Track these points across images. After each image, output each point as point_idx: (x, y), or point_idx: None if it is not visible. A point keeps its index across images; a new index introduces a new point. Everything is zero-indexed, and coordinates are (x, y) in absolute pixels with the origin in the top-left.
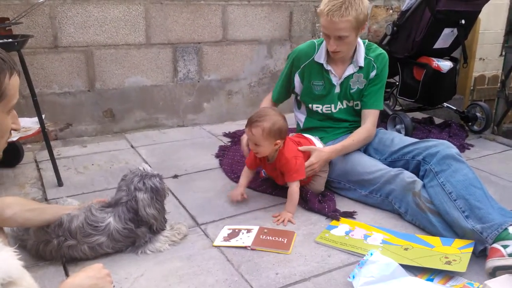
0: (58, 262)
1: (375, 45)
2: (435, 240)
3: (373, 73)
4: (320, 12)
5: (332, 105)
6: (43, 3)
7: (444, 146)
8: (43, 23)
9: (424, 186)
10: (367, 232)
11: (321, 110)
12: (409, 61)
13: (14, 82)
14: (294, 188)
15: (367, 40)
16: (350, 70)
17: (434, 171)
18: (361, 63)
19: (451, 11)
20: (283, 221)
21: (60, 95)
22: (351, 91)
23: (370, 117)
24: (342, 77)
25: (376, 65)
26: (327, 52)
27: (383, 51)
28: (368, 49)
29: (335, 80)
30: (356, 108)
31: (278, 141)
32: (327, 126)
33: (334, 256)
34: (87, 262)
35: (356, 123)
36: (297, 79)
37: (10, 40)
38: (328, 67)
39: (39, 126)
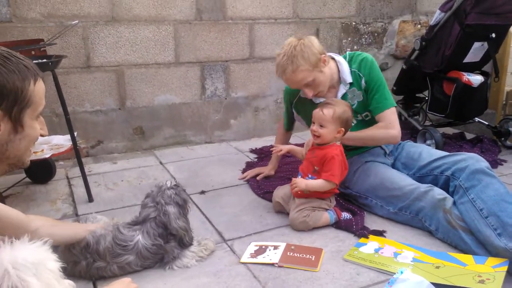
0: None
1: (357, 53)
2: (467, 258)
3: (363, 82)
4: (277, 76)
5: None
6: (76, 25)
7: (473, 160)
8: (76, 44)
9: (454, 203)
10: (397, 250)
11: None
12: (438, 76)
13: (39, 88)
14: (324, 182)
15: (347, 52)
16: (342, 90)
17: (464, 187)
18: (349, 79)
19: (481, 25)
20: (293, 187)
21: (92, 113)
22: (353, 106)
23: (384, 118)
24: None
25: (361, 73)
26: None
27: (364, 55)
28: (350, 62)
29: None
30: (367, 119)
31: (342, 129)
32: None
33: (363, 274)
34: (116, 277)
35: None
36: (294, 112)
37: (45, 60)
38: (318, 100)
39: (71, 143)
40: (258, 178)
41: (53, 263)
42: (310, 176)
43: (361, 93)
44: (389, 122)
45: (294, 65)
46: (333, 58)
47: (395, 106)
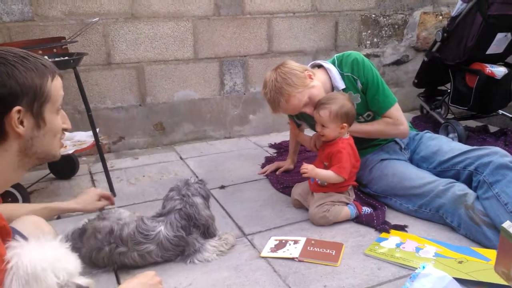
0: (111, 270)
1: (345, 54)
2: (491, 253)
3: (359, 84)
4: (275, 113)
5: None
6: (97, 22)
7: (497, 155)
8: (97, 41)
9: (477, 198)
10: (419, 245)
11: None
12: (461, 68)
13: (57, 84)
14: (333, 174)
15: (335, 55)
16: None
17: (488, 182)
18: (341, 85)
19: (504, 16)
20: (303, 169)
21: (113, 110)
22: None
23: (391, 115)
24: None
25: (355, 76)
26: None
27: (353, 55)
28: (340, 65)
29: None
30: (369, 119)
31: (345, 124)
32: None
33: (384, 269)
34: (138, 270)
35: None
36: (295, 119)
37: (66, 58)
38: None
39: (93, 139)
40: (277, 172)
41: (53, 277)
42: None
43: (359, 95)
44: (397, 119)
45: (284, 95)
46: (321, 66)
47: (397, 101)
